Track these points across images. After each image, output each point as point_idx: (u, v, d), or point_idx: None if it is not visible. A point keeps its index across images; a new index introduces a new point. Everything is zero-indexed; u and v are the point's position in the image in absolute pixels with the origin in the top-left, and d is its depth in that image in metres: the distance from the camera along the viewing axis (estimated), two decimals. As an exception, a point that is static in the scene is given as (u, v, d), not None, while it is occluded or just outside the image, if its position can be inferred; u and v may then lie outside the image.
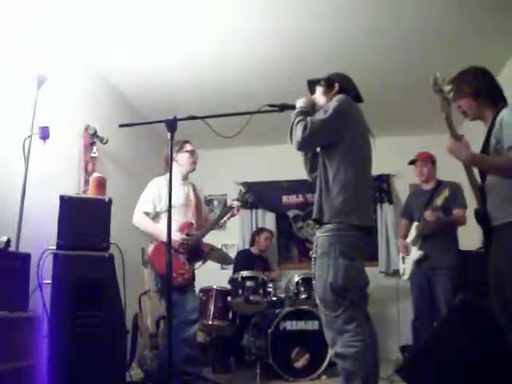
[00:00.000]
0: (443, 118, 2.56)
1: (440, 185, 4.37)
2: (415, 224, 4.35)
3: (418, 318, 4.26)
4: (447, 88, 2.54)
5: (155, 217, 3.72)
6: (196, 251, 3.75)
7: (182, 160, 3.82)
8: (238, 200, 3.98)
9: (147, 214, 3.70)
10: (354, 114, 2.49)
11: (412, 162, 4.54)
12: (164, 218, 3.66)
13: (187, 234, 3.70)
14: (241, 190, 4.36)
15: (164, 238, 3.38)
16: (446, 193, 4.05)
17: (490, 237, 2.50)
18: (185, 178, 3.90)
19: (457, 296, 4.14)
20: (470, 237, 4.30)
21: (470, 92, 2.54)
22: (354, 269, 2.36)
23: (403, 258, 4.52)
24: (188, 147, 3.83)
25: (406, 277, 4.46)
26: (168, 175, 3.63)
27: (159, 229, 3.60)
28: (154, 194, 3.72)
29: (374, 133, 2.61)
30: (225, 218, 3.95)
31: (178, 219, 3.65)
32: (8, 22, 3.32)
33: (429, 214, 4.06)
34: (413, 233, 4.38)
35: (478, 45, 4.16)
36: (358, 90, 2.65)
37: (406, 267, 4.43)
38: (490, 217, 2.47)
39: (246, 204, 5.34)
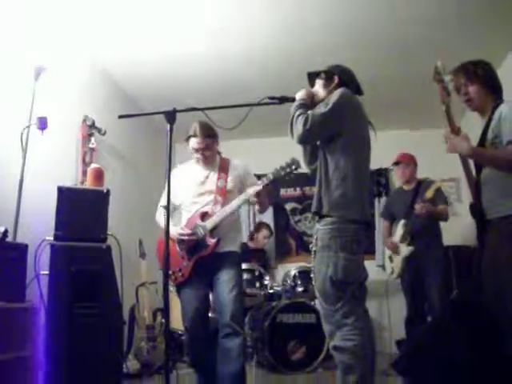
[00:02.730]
0: (442, 110, 2.55)
1: (420, 184, 4.47)
2: (402, 222, 4.43)
3: (412, 314, 4.32)
4: (448, 78, 2.52)
5: (174, 210, 3.34)
6: (198, 245, 3.17)
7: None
8: (266, 184, 3.10)
9: (165, 207, 3.14)
10: (354, 107, 2.48)
11: (396, 163, 4.62)
12: (182, 212, 3.33)
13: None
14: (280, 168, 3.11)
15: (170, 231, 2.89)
16: (435, 186, 4.17)
17: (484, 230, 2.51)
18: (206, 162, 3.35)
19: (447, 288, 4.26)
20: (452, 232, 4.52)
21: (483, 78, 2.51)
22: (355, 262, 2.36)
23: (390, 258, 4.58)
24: (190, 144, 3.30)
25: (395, 275, 4.53)
26: (189, 162, 3.42)
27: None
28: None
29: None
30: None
31: (193, 210, 3.25)
32: (6, 13, 3.29)
33: (420, 207, 4.14)
34: (399, 231, 4.46)
35: (479, 38, 4.15)
36: (358, 82, 2.64)
37: (395, 265, 4.49)
38: (485, 210, 2.48)
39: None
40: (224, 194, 3.26)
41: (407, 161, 4.58)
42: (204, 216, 3.22)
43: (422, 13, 3.88)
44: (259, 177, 3.24)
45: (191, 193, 3.30)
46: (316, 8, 3.83)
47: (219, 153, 3.48)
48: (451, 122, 2.53)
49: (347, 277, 2.32)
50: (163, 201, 3.29)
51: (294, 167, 3.08)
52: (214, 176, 3.34)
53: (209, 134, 3.29)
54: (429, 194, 4.16)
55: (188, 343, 3.27)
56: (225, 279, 3.15)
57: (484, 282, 2.47)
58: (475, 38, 4.15)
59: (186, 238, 3.16)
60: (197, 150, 3.29)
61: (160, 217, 3.35)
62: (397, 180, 4.74)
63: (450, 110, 2.54)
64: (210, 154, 3.33)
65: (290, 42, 4.31)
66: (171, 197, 3.14)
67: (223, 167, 3.39)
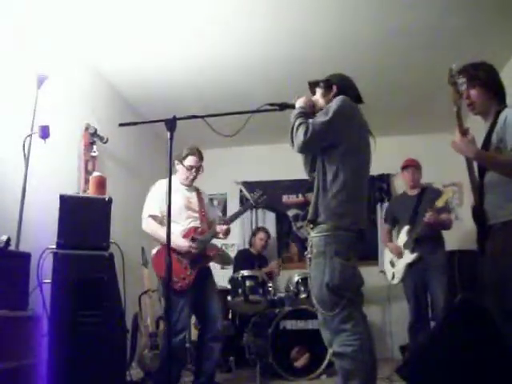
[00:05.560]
0: (454, 111, 2.53)
1: (425, 189, 4.47)
2: (406, 228, 4.42)
3: (415, 319, 4.30)
4: (461, 80, 2.51)
5: (162, 220, 3.64)
6: (200, 256, 3.64)
7: (180, 170, 3.78)
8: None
9: (155, 217, 3.62)
10: (353, 115, 2.49)
11: (405, 167, 4.61)
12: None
13: (192, 239, 3.60)
14: (253, 194, 4.07)
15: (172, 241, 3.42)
16: (446, 196, 4.15)
17: (485, 235, 2.50)
18: (186, 184, 3.81)
19: (451, 292, 4.24)
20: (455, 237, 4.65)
21: (486, 81, 2.51)
22: (350, 268, 2.36)
23: (391, 263, 4.57)
24: (188, 161, 3.73)
25: (396, 280, 4.52)
26: (173, 179, 3.75)
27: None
28: (158, 196, 3.62)
29: (374, 133, 2.60)
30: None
31: (180, 222, 3.62)
32: (8, 21, 3.32)
33: (429, 215, 4.13)
34: (403, 237, 4.46)
35: (479, 45, 4.14)
36: (358, 90, 2.64)
37: (396, 271, 4.49)
38: (488, 215, 2.47)
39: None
40: (205, 215, 3.81)
41: (417, 165, 4.60)
42: (196, 230, 3.67)
43: (423, 22, 3.89)
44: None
45: (179, 205, 3.62)
46: (317, 17, 3.84)
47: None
48: (461, 123, 2.51)
49: (343, 282, 2.32)
50: (151, 210, 3.67)
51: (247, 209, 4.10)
52: (195, 198, 3.82)
53: (202, 159, 3.78)
54: (440, 203, 4.14)
55: (180, 345, 3.48)
56: (215, 294, 3.76)
57: (487, 289, 2.46)
58: (475, 45, 4.12)
59: (194, 250, 3.55)
60: (192, 167, 3.73)
61: (148, 226, 3.67)
62: (404, 184, 4.72)
63: (461, 111, 2.53)
64: (197, 176, 3.79)
65: (292, 51, 4.32)
66: (161, 206, 3.60)
67: (200, 194, 3.89)
